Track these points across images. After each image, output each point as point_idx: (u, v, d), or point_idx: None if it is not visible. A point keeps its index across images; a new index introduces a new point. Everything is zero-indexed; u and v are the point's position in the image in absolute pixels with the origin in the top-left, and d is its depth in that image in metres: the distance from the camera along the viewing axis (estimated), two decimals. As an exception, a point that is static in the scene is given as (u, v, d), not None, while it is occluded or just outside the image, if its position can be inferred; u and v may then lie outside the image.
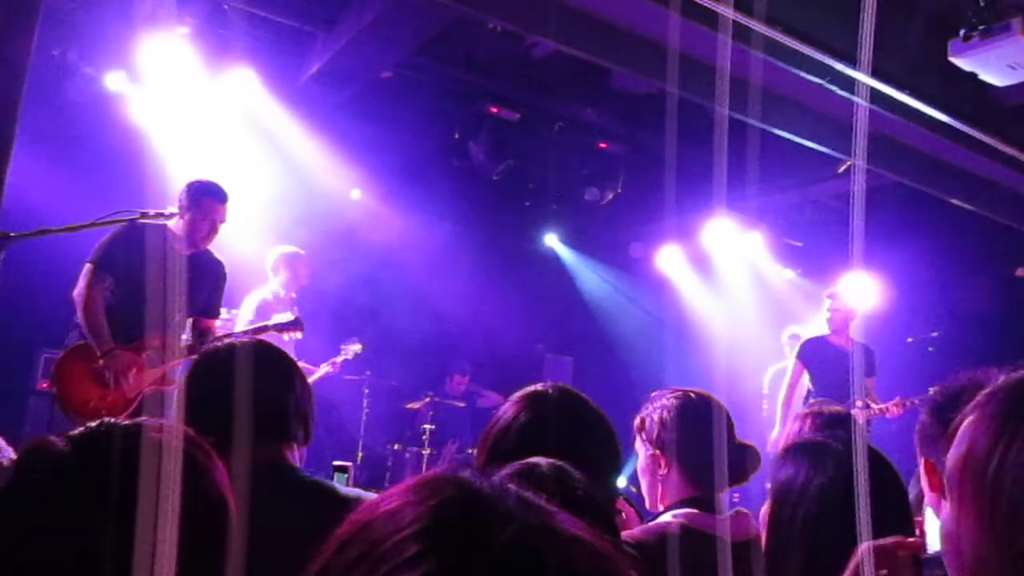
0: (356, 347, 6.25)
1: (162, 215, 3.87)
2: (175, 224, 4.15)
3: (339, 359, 6.18)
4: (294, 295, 5.71)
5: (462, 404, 7.46)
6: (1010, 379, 0.87)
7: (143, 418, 1.13)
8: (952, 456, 0.85)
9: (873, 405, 6.06)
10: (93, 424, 1.09)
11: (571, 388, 1.73)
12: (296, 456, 1.83)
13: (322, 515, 1.60)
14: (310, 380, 6.14)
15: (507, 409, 1.64)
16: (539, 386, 1.69)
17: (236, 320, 5.59)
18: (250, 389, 1.70)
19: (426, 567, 0.51)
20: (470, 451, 7.02)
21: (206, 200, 4.17)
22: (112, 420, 1.11)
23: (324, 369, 6.13)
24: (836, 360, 6.13)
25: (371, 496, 1.74)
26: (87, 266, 3.95)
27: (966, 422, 0.86)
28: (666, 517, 1.87)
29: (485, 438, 1.64)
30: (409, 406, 7.28)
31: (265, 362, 1.86)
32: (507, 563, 0.52)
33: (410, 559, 0.52)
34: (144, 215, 3.81)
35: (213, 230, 4.22)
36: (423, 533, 0.53)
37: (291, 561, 1.44)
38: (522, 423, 1.60)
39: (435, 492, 0.57)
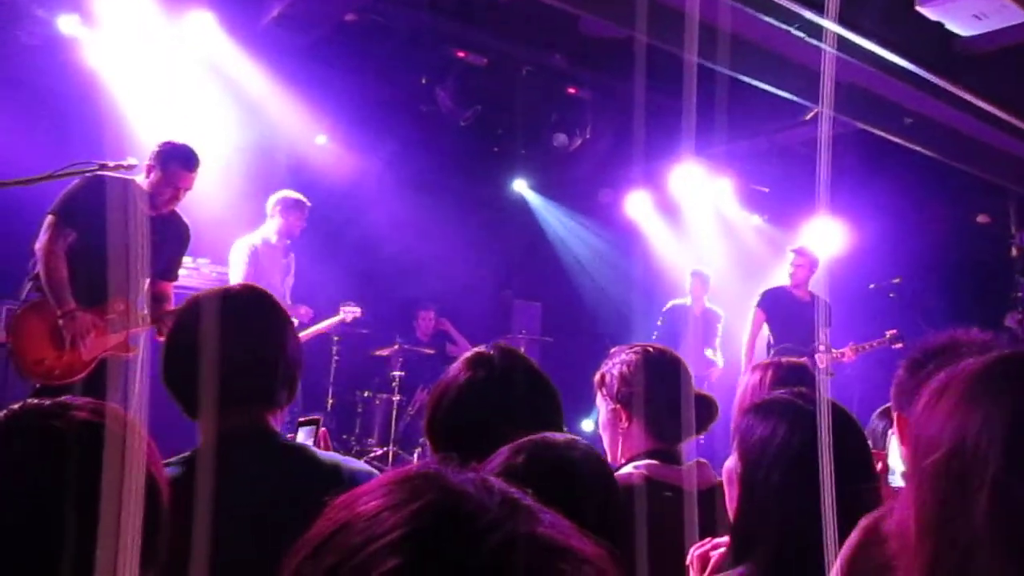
0: (355, 310, 6.17)
1: (122, 166, 3.75)
2: (142, 180, 4.03)
3: (334, 320, 6.10)
4: (287, 242, 5.58)
5: (431, 351, 7.49)
6: (1011, 362, 0.81)
7: (68, 396, 1.10)
8: (934, 439, 0.79)
9: (834, 351, 6.29)
10: (15, 407, 1.07)
11: (515, 349, 1.76)
12: (278, 420, 1.73)
13: (301, 482, 1.59)
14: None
15: (451, 371, 1.67)
16: (483, 347, 1.72)
17: (229, 272, 5.45)
18: (238, 348, 1.62)
19: None
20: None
21: (172, 166, 4.03)
22: (35, 401, 1.08)
23: (320, 327, 6.04)
24: (797, 310, 6.34)
25: (349, 461, 1.71)
26: (49, 218, 3.81)
27: (951, 402, 0.80)
28: (628, 469, 1.92)
29: (430, 399, 1.67)
30: (378, 353, 7.30)
31: (256, 317, 1.74)
32: None
33: (392, 572, 0.50)
34: (103, 166, 3.69)
35: (176, 197, 4.09)
36: (403, 543, 0.51)
37: (270, 528, 1.45)
38: (461, 385, 1.63)
39: (415, 494, 0.54)
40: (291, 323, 1.81)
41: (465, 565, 0.50)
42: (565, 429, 1.76)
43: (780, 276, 7.06)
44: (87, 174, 3.71)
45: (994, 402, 0.76)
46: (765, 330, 6.54)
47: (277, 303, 1.81)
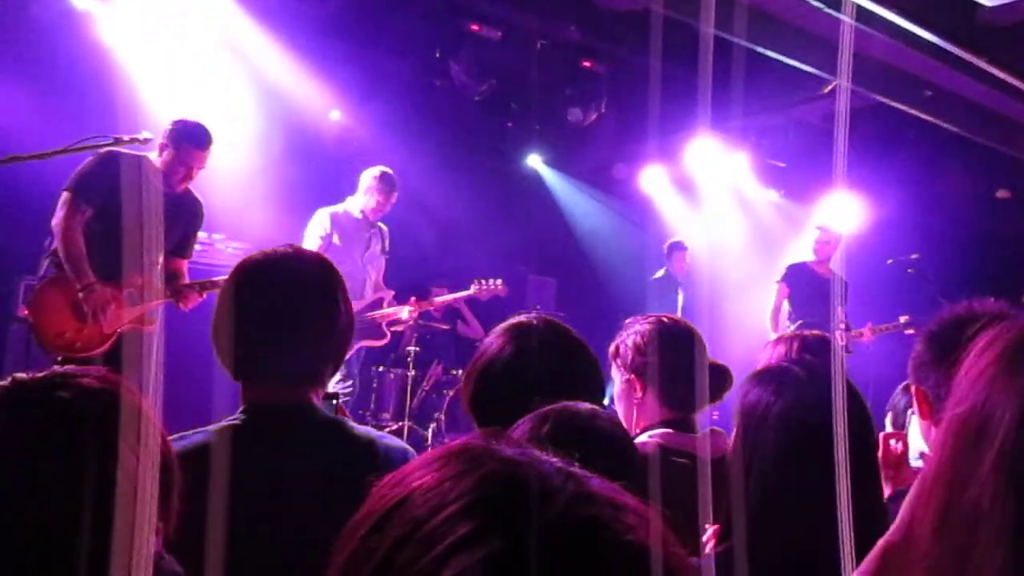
0: (496, 288, 5.92)
1: (136, 140, 3.75)
2: (155, 158, 4.04)
3: (465, 293, 5.95)
4: (372, 220, 5.43)
5: (446, 327, 7.49)
6: None
7: (69, 367, 1.09)
8: (965, 394, 0.80)
9: (853, 329, 6.33)
10: (6, 382, 1.06)
11: (554, 318, 1.73)
12: (319, 395, 1.66)
13: (336, 456, 1.57)
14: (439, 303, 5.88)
15: (492, 342, 1.65)
16: (522, 317, 1.70)
17: (304, 240, 5.21)
18: (285, 322, 1.56)
19: (489, 546, 0.49)
20: (454, 372, 7.09)
21: (185, 144, 4.03)
22: (24, 376, 1.07)
23: (448, 299, 5.91)
24: (818, 286, 6.42)
25: (384, 437, 1.67)
26: (65, 194, 3.84)
27: (985, 362, 0.80)
28: (642, 438, 1.91)
29: (471, 372, 1.65)
30: (392, 329, 7.30)
31: (310, 289, 1.62)
32: (565, 535, 0.50)
33: (467, 537, 0.49)
34: (118, 140, 3.70)
35: (189, 176, 4.11)
36: (473, 510, 0.51)
37: (302, 499, 1.45)
38: (508, 356, 1.61)
39: (474, 464, 0.54)
40: (344, 294, 1.68)
41: (537, 525, 0.50)
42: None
43: (796, 251, 7.02)
44: (101, 150, 3.72)
45: (1017, 370, 0.77)
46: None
47: (334, 273, 1.68)
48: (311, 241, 5.25)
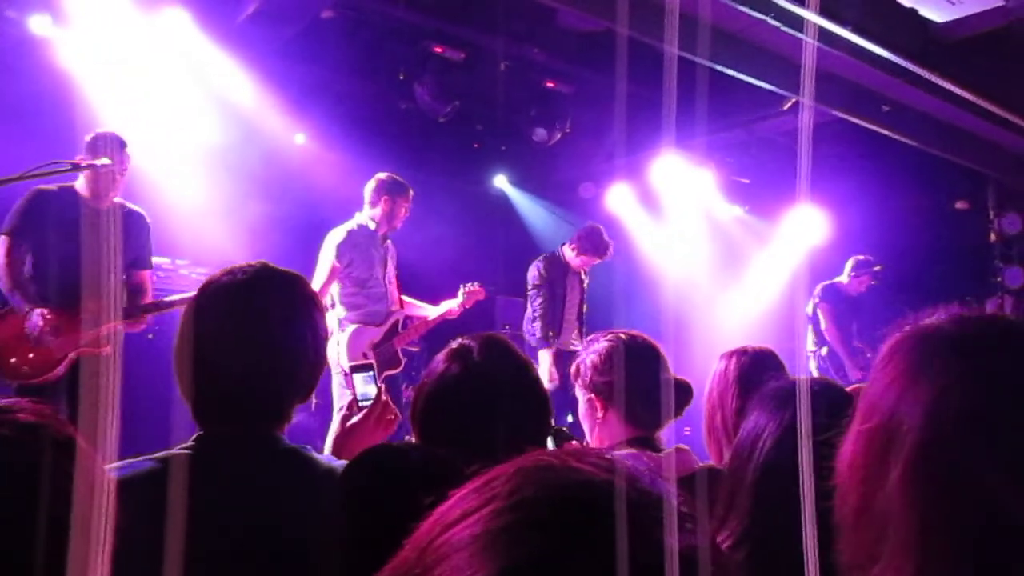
0: (475, 290, 5.46)
1: (93, 166, 3.76)
2: (81, 185, 4.09)
3: (454, 303, 5.39)
4: (387, 235, 5.02)
5: (416, 348, 7.45)
6: (942, 338, 0.85)
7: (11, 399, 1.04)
8: (873, 405, 0.84)
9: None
10: None
11: (497, 337, 1.72)
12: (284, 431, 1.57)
13: (294, 484, 1.51)
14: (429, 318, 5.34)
15: (437, 364, 1.65)
16: (464, 339, 1.69)
17: (318, 264, 4.82)
18: (250, 353, 1.47)
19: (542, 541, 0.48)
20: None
21: (102, 150, 4.04)
22: None
23: (441, 309, 5.35)
24: (847, 305, 6.97)
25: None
26: (1, 238, 3.92)
27: (891, 372, 0.84)
28: (608, 458, 1.90)
29: (418, 393, 1.65)
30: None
31: (278, 313, 1.50)
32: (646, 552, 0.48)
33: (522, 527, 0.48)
34: (76, 166, 3.71)
35: (114, 181, 4.13)
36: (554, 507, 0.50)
37: (258, 529, 1.42)
38: (447, 379, 1.60)
39: (567, 469, 0.53)
40: (318, 317, 1.56)
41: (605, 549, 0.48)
42: (552, 425, 1.74)
43: (760, 266, 7.09)
44: (36, 178, 3.75)
45: (921, 381, 0.80)
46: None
47: (304, 292, 1.57)
48: (325, 263, 4.82)
